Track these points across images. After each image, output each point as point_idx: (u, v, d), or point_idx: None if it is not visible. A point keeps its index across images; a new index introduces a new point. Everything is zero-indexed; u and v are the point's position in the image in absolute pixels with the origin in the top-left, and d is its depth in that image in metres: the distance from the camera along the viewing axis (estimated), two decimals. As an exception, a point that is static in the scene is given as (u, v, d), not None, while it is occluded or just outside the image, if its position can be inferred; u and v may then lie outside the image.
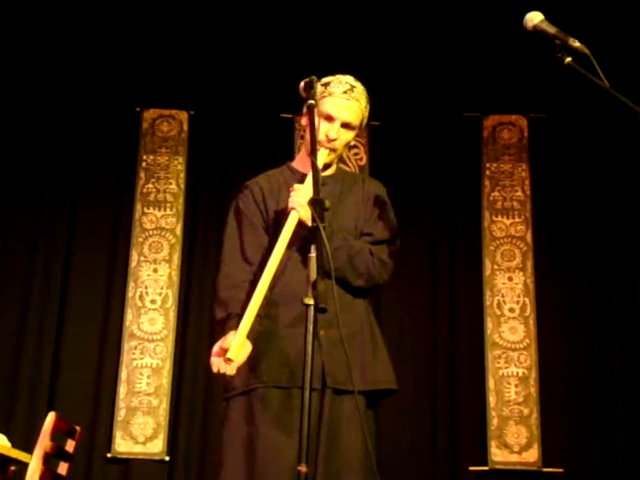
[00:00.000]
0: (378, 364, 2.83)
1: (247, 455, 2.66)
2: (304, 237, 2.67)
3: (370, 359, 2.79)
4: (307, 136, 2.85)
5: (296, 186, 2.72)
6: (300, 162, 2.99)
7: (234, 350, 2.52)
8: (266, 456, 2.63)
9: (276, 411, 2.67)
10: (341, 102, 2.83)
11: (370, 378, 2.74)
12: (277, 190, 2.92)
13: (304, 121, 2.87)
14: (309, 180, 2.68)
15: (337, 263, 2.34)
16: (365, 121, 2.95)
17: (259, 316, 2.62)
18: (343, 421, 2.71)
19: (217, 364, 2.62)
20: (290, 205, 2.67)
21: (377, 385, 2.81)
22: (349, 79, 2.89)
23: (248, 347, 2.62)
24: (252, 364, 2.68)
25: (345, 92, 2.84)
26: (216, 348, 2.65)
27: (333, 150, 2.86)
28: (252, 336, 2.62)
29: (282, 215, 2.78)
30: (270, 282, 2.58)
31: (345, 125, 2.85)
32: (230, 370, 2.58)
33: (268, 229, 2.87)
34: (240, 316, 2.62)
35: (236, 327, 2.60)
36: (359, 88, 2.88)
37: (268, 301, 2.68)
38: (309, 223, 2.53)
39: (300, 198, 2.65)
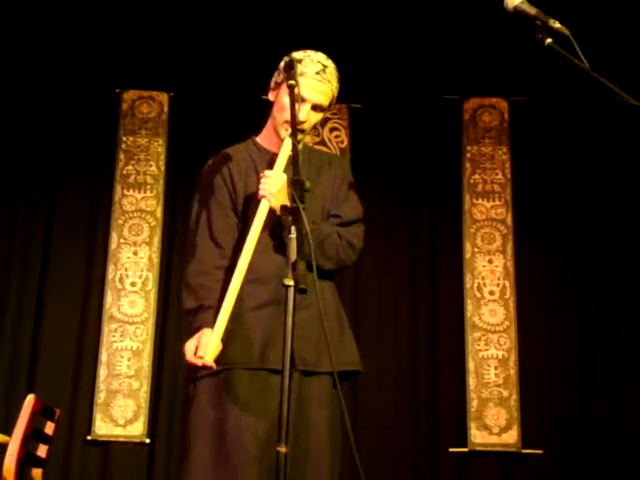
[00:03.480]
0: (346, 345, 2.82)
1: (216, 438, 2.64)
2: (272, 223, 2.67)
3: (338, 340, 2.77)
4: (275, 114, 2.83)
5: (267, 172, 2.67)
6: (266, 139, 2.94)
7: (211, 355, 2.52)
8: (236, 439, 2.61)
9: (245, 393, 2.66)
10: (313, 83, 2.78)
11: (339, 359, 2.70)
12: (245, 169, 2.88)
13: (272, 96, 2.84)
14: (279, 164, 2.66)
15: (307, 248, 2.32)
16: (334, 101, 2.90)
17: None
18: (313, 401, 2.70)
19: (196, 364, 2.61)
20: (261, 193, 2.62)
21: (346, 366, 2.79)
22: (321, 57, 2.83)
23: (220, 345, 2.59)
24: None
25: (317, 73, 2.78)
26: (191, 346, 2.63)
27: (301, 131, 2.80)
28: (225, 333, 2.60)
29: (251, 199, 2.76)
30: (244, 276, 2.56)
31: (315, 107, 2.81)
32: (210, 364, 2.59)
33: (236, 209, 2.83)
34: (212, 308, 2.62)
35: (210, 322, 2.59)
36: (330, 67, 2.83)
37: None
38: (281, 209, 2.55)
39: (271, 186, 2.61)
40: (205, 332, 2.61)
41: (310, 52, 2.84)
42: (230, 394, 2.66)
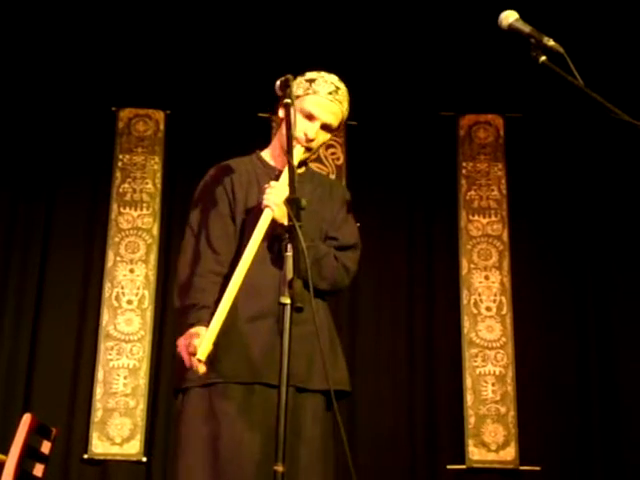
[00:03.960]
0: (338, 365, 2.80)
1: (208, 452, 2.61)
2: (271, 235, 2.67)
3: (332, 359, 2.76)
4: (283, 130, 2.80)
5: (272, 183, 2.68)
6: (272, 155, 2.96)
7: (204, 352, 2.48)
8: (230, 454, 2.59)
9: (238, 407, 2.63)
10: (325, 102, 2.81)
11: (332, 378, 2.66)
12: (246, 181, 2.88)
13: (281, 113, 2.84)
14: (285, 178, 2.66)
15: (303, 265, 2.32)
16: (343, 123, 2.95)
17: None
18: (307, 417, 2.69)
19: (190, 361, 2.57)
20: (265, 203, 2.63)
21: (339, 385, 2.76)
22: (334, 79, 2.87)
23: (211, 346, 2.56)
24: (210, 358, 2.59)
25: (330, 93, 2.82)
26: (186, 342, 2.60)
27: (309, 149, 2.84)
28: (218, 344, 2.58)
29: (252, 210, 2.76)
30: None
31: (325, 126, 2.83)
32: (201, 369, 2.54)
33: (235, 219, 2.83)
34: (207, 308, 2.60)
35: (205, 321, 2.57)
36: (343, 90, 2.87)
37: None
38: (284, 222, 2.52)
39: (275, 197, 2.61)
40: (199, 329, 2.59)
41: (324, 73, 2.88)
42: (223, 408, 2.63)
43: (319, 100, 2.81)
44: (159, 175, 5.99)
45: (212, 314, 2.55)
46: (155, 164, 6.00)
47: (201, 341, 2.52)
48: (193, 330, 2.62)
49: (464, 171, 6.09)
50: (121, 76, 6.04)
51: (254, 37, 5.90)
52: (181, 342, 2.64)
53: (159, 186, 5.97)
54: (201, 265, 2.76)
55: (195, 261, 2.78)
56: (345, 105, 2.87)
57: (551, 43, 2.20)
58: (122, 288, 5.76)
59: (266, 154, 2.98)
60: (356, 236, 2.96)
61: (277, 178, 2.75)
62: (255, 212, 2.70)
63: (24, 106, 5.99)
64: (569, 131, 6.09)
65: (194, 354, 2.51)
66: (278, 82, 2.64)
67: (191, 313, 2.67)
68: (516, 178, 6.07)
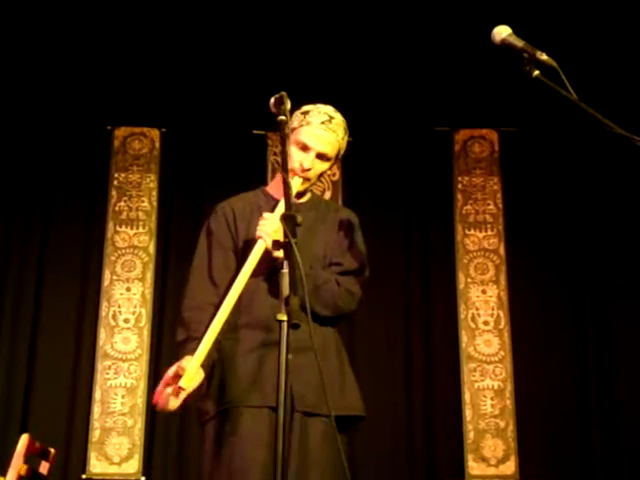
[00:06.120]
0: (347, 390, 2.81)
1: (224, 475, 2.62)
2: (269, 267, 2.68)
3: (339, 385, 2.77)
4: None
5: (265, 215, 2.70)
6: (275, 187, 2.97)
7: (187, 379, 2.49)
8: (243, 476, 2.59)
9: (250, 429, 2.64)
10: (318, 132, 2.83)
11: (341, 403, 2.71)
12: (249, 213, 2.91)
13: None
14: (280, 208, 2.67)
15: (302, 292, 2.32)
16: (342, 152, 2.94)
17: (218, 341, 2.61)
18: (316, 440, 2.68)
19: (161, 400, 2.56)
20: (257, 234, 2.65)
21: (346, 411, 2.76)
22: (329, 110, 2.88)
23: (200, 375, 2.59)
24: (221, 386, 2.67)
25: (323, 122, 2.83)
26: (168, 373, 2.59)
27: (307, 179, 2.85)
28: (207, 363, 2.61)
29: (251, 241, 2.76)
30: (232, 309, 2.57)
31: (320, 156, 2.84)
32: (173, 404, 2.53)
33: (237, 252, 2.85)
34: (199, 340, 2.60)
35: (192, 352, 2.58)
36: (338, 119, 2.87)
37: (230, 326, 2.67)
38: (275, 254, 2.56)
39: (268, 227, 2.63)
40: (185, 358, 2.59)
41: (319, 105, 2.90)
42: (235, 431, 2.65)
43: (312, 130, 2.83)
44: (155, 193, 5.99)
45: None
46: (151, 182, 6.01)
47: (184, 369, 2.52)
48: (177, 363, 2.62)
49: (460, 185, 6.10)
50: (116, 95, 6.05)
51: (249, 55, 5.91)
52: (166, 375, 2.62)
53: (155, 204, 5.96)
54: (200, 297, 2.80)
55: (195, 294, 2.83)
56: (340, 134, 2.88)
57: (544, 57, 2.21)
58: (119, 307, 5.75)
59: (270, 188, 3.02)
60: (361, 260, 2.95)
61: (275, 207, 2.76)
62: (253, 243, 2.71)
63: (20, 125, 6.00)
64: (563, 144, 6.10)
65: (177, 381, 2.51)
66: (272, 99, 2.64)
67: (183, 347, 2.70)
68: (512, 192, 6.08)
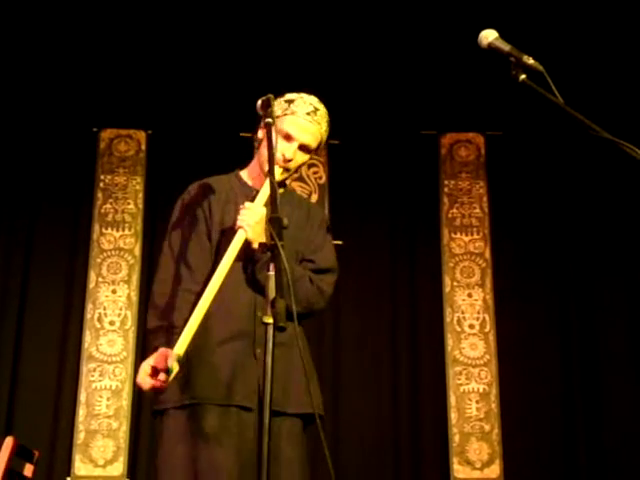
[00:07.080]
0: (312, 388, 2.76)
1: (187, 474, 2.58)
2: (246, 258, 2.66)
3: (305, 382, 2.72)
4: (262, 151, 2.81)
5: (247, 204, 2.66)
6: (250, 174, 2.95)
7: (170, 374, 2.45)
8: (208, 476, 2.55)
9: (216, 429, 2.60)
10: (303, 123, 2.80)
11: (306, 401, 2.67)
12: (224, 199, 2.87)
13: (260, 134, 2.84)
14: (260, 199, 2.66)
15: (289, 298, 2.31)
16: (322, 144, 2.93)
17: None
18: (283, 440, 2.66)
19: (146, 382, 2.53)
20: (238, 224, 2.61)
21: (316, 409, 2.71)
22: (313, 100, 2.86)
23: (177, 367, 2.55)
24: (185, 379, 2.61)
25: (308, 114, 2.80)
26: (146, 367, 2.55)
27: (286, 170, 2.83)
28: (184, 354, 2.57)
29: (228, 229, 2.74)
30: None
31: (303, 147, 2.82)
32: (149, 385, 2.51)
33: (210, 237, 2.82)
34: (173, 328, 2.58)
35: (167, 343, 2.55)
36: (322, 111, 2.85)
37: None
38: (256, 244, 2.56)
39: (249, 218, 2.60)
40: (161, 350, 2.56)
41: (303, 94, 2.87)
42: (200, 430, 2.61)
43: (297, 121, 2.80)
44: (141, 195, 5.98)
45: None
46: (137, 184, 5.99)
47: (161, 361, 2.50)
48: (154, 355, 2.58)
49: (446, 189, 6.11)
50: (102, 97, 6.03)
51: (236, 57, 5.91)
52: (142, 367, 2.59)
53: (141, 206, 5.95)
54: (174, 283, 2.75)
55: (167, 279, 2.78)
56: (324, 126, 2.86)
57: (531, 61, 2.21)
58: (104, 309, 5.73)
59: (245, 174, 2.98)
60: (333, 260, 2.95)
61: (254, 199, 2.73)
62: (230, 232, 2.68)
63: (5, 127, 5.97)
64: (549, 148, 6.12)
65: (156, 374, 2.48)
66: (259, 101, 2.63)
67: (156, 336, 2.67)
68: (498, 196, 6.10)
